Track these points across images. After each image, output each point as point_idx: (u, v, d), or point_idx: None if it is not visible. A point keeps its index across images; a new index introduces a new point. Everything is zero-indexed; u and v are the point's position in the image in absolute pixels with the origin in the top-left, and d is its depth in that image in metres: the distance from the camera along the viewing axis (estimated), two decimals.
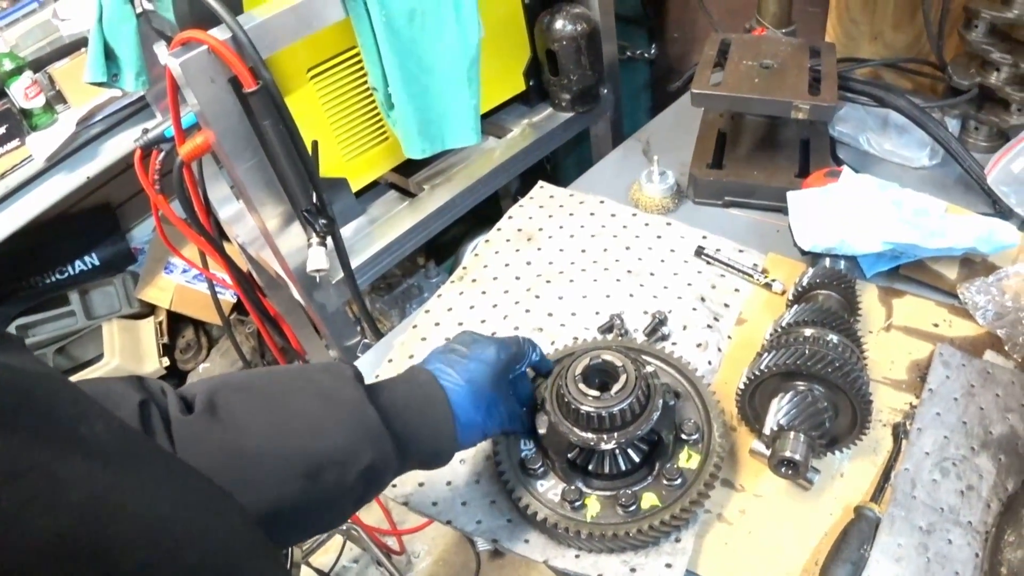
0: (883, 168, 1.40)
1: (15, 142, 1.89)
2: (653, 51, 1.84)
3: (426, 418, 0.78)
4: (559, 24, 1.48)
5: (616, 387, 0.80)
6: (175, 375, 2.54)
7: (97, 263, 2.48)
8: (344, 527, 1.94)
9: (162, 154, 1.47)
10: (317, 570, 2.04)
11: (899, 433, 0.98)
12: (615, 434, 0.80)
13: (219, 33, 1.10)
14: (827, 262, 1.11)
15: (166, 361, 2.43)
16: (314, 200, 1.26)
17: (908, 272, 1.17)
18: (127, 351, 2.35)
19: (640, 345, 1.00)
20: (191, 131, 1.31)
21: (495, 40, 1.54)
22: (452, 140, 1.36)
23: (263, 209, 1.31)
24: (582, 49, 1.51)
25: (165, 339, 2.47)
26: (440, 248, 2.30)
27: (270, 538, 0.65)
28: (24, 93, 1.87)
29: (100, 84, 1.49)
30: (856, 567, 0.83)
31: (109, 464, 0.42)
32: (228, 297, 2.40)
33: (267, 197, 1.30)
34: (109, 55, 1.45)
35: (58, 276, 2.43)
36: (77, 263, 2.45)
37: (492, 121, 1.69)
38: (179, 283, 2.43)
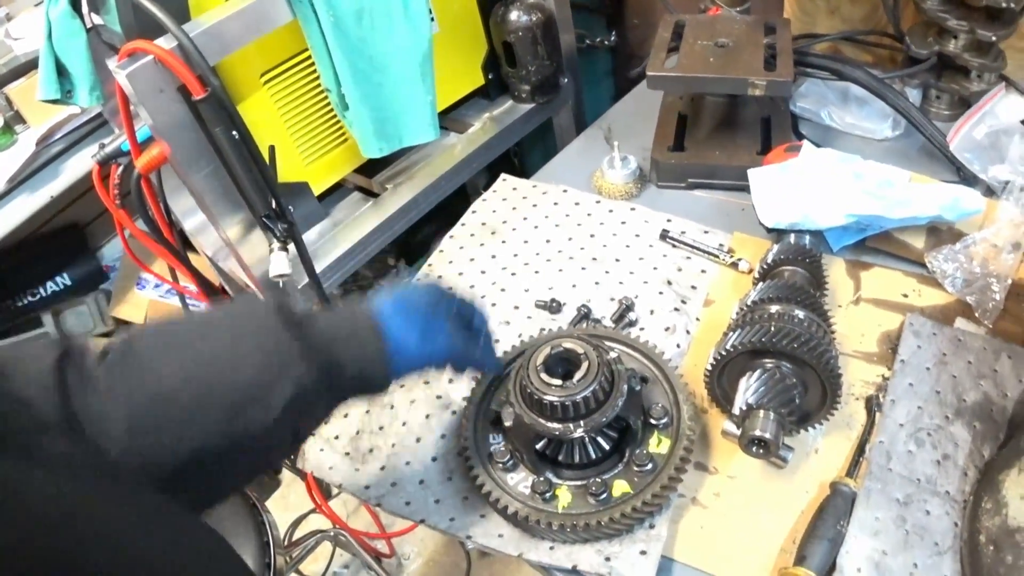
0: (846, 141, 1.40)
1: None
2: (613, 39, 1.83)
3: (353, 337, 0.73)
4: (513, 15, 1.47)
5: (578, 375, 0.79)
6: None
7: (69, 283, 2.45)
8: (332, 532, 1.92)
9: (120, 168, 1.44)
10: None
11: (872, 406, 0.98)
12: (581, 422, 0.79)
13: (165, 42, 1.08)
14: (792, 238, 1.11)
15: None
16: (273, 206, 1.24)
17: (875, 244, 1.17)
18: None
19: (605, 332, 0.99)
20: (147, 143, 1.29)
21: (450, 35, 1.52)
22: (409, 138, 1.34)
23: (223, 218, 1.29)
24: (538, 39, 1.49)
25: None
26: (412, 248, 2.29)
27: (206, 483, 0.66)
28: None
29: (54, 101, 1.46)
30: (834, 543, 0.83)
31: (76, 480, 0.43)
32: (201, 309, 2.38)
33: (225, 205, 1.28)
34: (62, 71, 1.42)
35: (30, 298, 2.40)
36: (49, 284, 2.42)
37: (453, 117, 1.67)
38: (152, 298, 2.40)
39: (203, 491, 0.67)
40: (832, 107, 1.42)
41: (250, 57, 1.26)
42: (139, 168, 1.28)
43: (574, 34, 1.65)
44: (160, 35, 1.09)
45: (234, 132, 1.14)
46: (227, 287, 1.83)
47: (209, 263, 1.75)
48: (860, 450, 0.92)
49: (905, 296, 1.11)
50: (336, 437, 1.07)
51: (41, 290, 2.41)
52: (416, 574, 2.23)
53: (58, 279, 2.43)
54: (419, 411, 1.06)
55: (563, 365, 0.83)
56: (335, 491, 1.85)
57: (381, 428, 1.06)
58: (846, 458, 0.92)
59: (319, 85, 1.35)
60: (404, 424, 1.05)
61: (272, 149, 1.31)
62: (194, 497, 0.65)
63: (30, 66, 1.96)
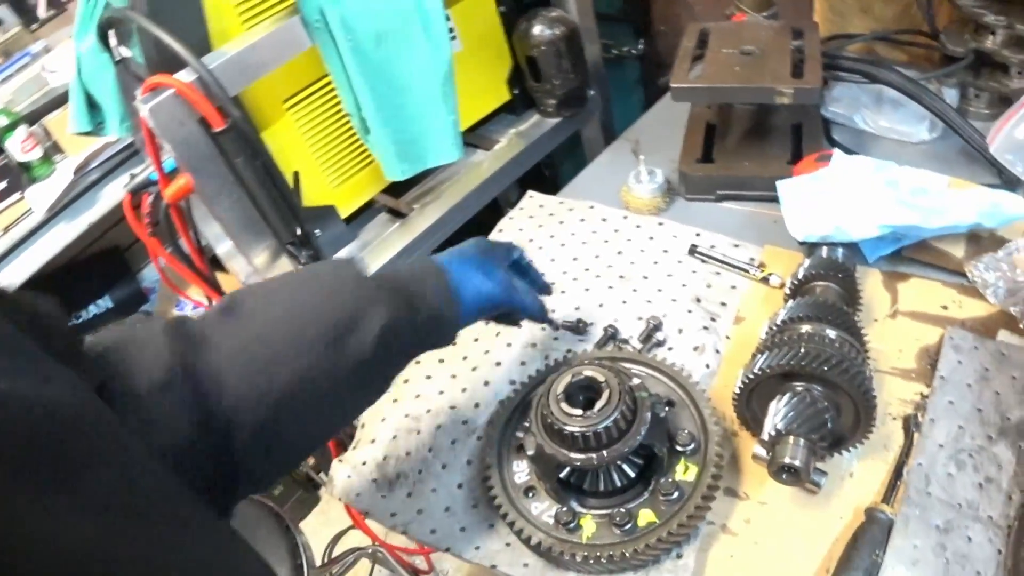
0: (881, 146, 1.35)
1: (16, 195, 1.91)
2: (640, 47, 1.81)
3: (422, 278, 0.81)
4: (536, 29, 1.46)
5: (599, 404, 0.78)
6: None
7: (111, 305, 2.51)
8: (370, 549, 1.92)
9: (151, 197, 1.47)
10: None
11: (910, 426, 0.93)
12: (603, 452, 0.78)
13: (185, 75, 1.09)
14: (824, 252, 1.07)
15: None
16: (297, 232, 1.25)
17: (911, 254, 1.13)
18: None
19: (630, 355, 0.97)
20: (174, 173, 1.31)
21: (474, 52, 1.52)
22: (433, 159, 1.34)
23: (249, 246, 1.30)
24: (562, 52, 1.48)
25: None
26: None
27: (317, 419, 0.73)
28: (21, 147, 1.89)
29: (87, 133, 1.50)
30: (869, 574, 0.79)
31: (106, 515, 0.41)
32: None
33: (251, 234, 1.29)
34: (93, 104, 1.46)
35: (73, 321, 2.46)
36: (91, 307, 2.48)
37: (479, 133, 1.67)
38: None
39: (285, 449, 0.72)
40: (866, 111, 1.38)
41: (273, 83, 1.27)
42: (167, 198, 1.29)
43: (599, 44, 1.64)
44: (181, 68, 1.11)
45: (257, 162, 1.15)
46: None
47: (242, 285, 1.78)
48: (897, 473, 0.88)
49: (945, 308, 1.07)
50: (364, 463, 1.07)
51: (84, 313, 2.47)
52: None
53: (100, 302, 2.49)
54: (445, 437, 1.05)
55: (584, 393, 0.81)
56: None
57: (408, 454, 1.05)
58: (882, 482, 0.89)
59: (343, 108, 1.36)
60: (430, 450, 1.04)
61: (296, 175, 1.32)
62: (270, 462, 0.69)
63: (66, 97, 2.01)
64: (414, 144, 1.31)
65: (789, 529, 0.86)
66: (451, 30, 1.44)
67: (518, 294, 0.90)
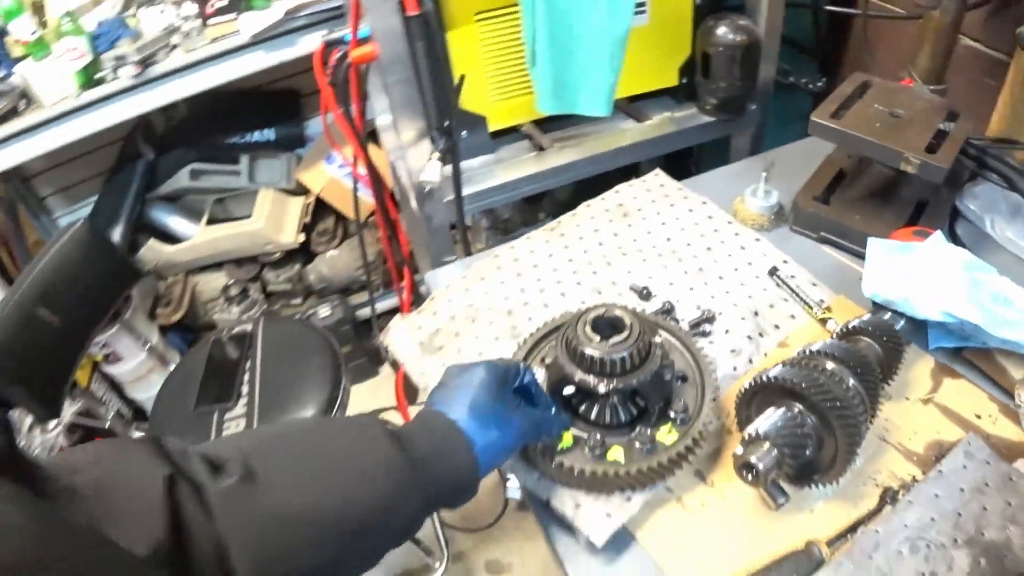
0: (999, 256, 1.35)
1: (231, 15, 2.15)
2: (820, 84, 1.83)
3: (450, 457, 0.79)
4: (720, 30, 1.53)
5: (615, 339, 0.89)
6: (306, 253, 2.82)
7: (272, 138, 2.78)
8: None
9: (339, 54, 1.66)
10: None
11: (887, 498, 0.97)
12: (603, 379, 0.89)
13: None
14: (887, 316, 1.12)
15: (302, 238, 2.69)
16: (444, 124, 1.40)
17: (971, 356, 1.15)
18: (272, 219, 2.63)
19: (673, 328, 1.07)
20: (365, 41, 1.49)
21: (659, 30, 1.61)
22: (583, 107, 1.45)
23: (403, 120, 1.47)
24: (736, 59, 1.55)
25: (307, 219, 2.74)
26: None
27: None
28: None
29: None
30: None
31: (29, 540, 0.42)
32: (371, 201, 2.63)
33: (408, 110, 1.46)
34: None
35: (237, 139, 2.75)
36: (256, 134, 2.76)
37: (637, 106, 1.76)
38: (333, 175, 2.67)
39: None
40: (998, 216, 1.38)
41: None
42: (351, 58, 1.48)
43: (775, 66, 1.69)
44: None
45: (432, 52, 1.30)
46: (397, 184, 2.04)
47: (387, 159, 1.97)
48: (852, 529, 0.93)
49: (978, 417, 1.08)
50: (419, 328, 1.23)
51: (248, 136, 2.76)
52: None
53: (265, 131, 2.76)
54: (492, 332, 1.19)
55: (610, 329, 0.92)
56: (419, 399, 2.03)
57: (456, 335, 1.20)
58: (837, 530, 0.94)
59: (521, 36, 1.49)
60: (476, 338, 1.19)
61: (462, 78, 1.47)
62: None
63: None
64: (570, 88, 1.43)
65: (734, 526, 0.94)
66: (642, 4, 1.53)
67: (530, 435, 0.89)
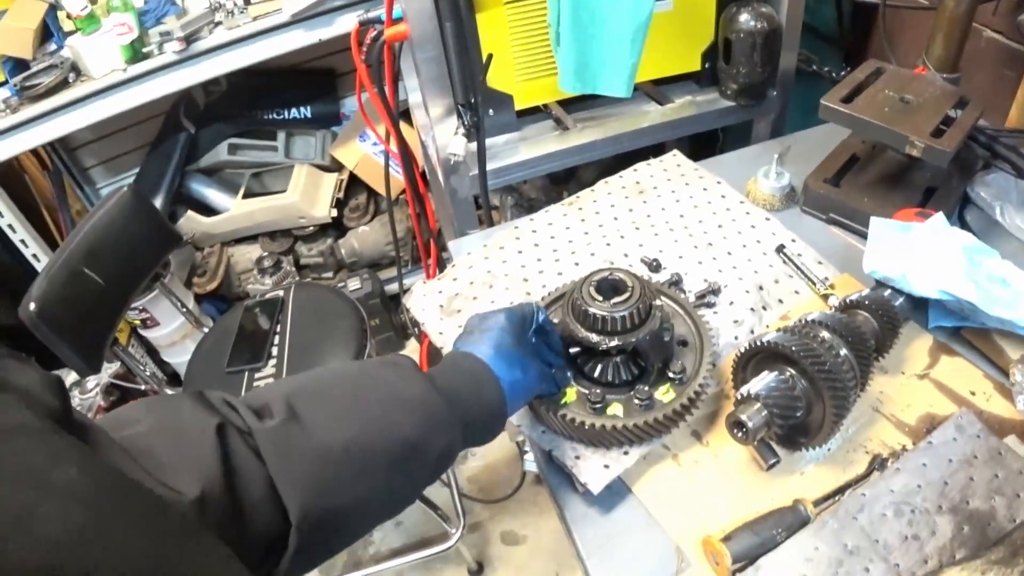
0: (1008, 244, 1.38)
1: None
2: (843, 73, 1.86)
3: (481, 392, 0.85)
4: (742, 17, 1.57)
5: (616, 299, 0.95)
6: (338, 228, 2.90)
7: (309, 115, 2.87)
8: None
9: (375, 33, 1.73)
10: None
11: (875, 464, 1.01)
12: (604, 337, 0.95)
13: None
14: (886, 292, 1.15)
15: (334, 213, 2.78)
16: (471, 100, 1.46)
17: (969, 336, 1.18)
18: (307, 194, 2.72)
19: (676, 295, 1.13)
20: (399, 21, 1.56)
21: (682, 15, 1.65)
22: (604, 87, 1.51)
23: (431, 96, 1.54)
24: (757, 46, 1.59)
25: (340, 195, 2.82)
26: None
27: (353, 528, 0.73)
28: None
29: None
30: (763, 544, 0.90)
31: (85, 503, 0.43)
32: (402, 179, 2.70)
33: (437, 86, 1.52)
34: None
35: (275, 115, 2.84)
36: (292, 110, 2.85)
37: (660, 89, 1.81)
38: (366, 152, 2.75)
39: (331, 551, 0.72)
40: (1008, 205, 1.41)
41: None
42: (385, 36, 1.55)
43: (797, 53, 1.73)
44: None
45: (460, 31, 1.36)
46: (427, 160, 2.11)
47: (417, 136, 2.04)
48: (840, 491, 0.97)
49: (972, 394, 1.11)
50: (439, 292, 1.30)
51: (285, 112, 2.85)
52: (473, 470, 2.46)
53: (301, 109, 2.85)
54: (509, 296, 1.26)
55: (613, 291, 0.98)
56: None
57: (474, 299, 1.27)
58: (824, 492, 0.98)
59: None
60: (493, 302, 1.26)
61: (490, 57, 1.53)
62: (312, 560, 0.69)
63: None
64: (591, 70, 1.48)
65: (726, 484, 1.00)
66: None
67: (546, 382, 0.95)
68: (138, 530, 0.46)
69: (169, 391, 2.50)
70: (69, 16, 2.22)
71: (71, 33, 2.26)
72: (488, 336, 0.90)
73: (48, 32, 2.35)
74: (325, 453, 0.68)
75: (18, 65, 2.29)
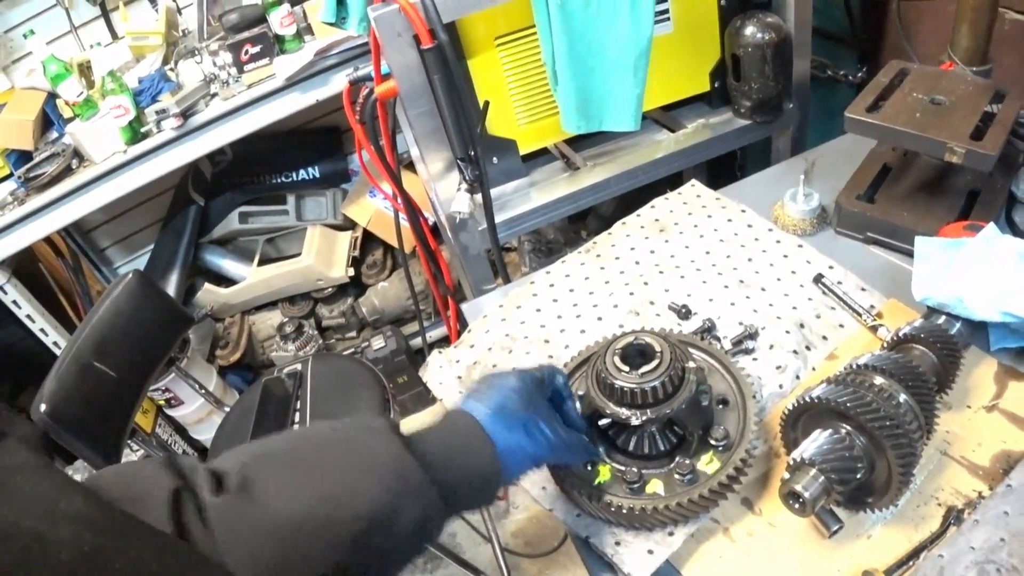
0: None
1: (265, 60, 2.22)
2: (862, 74, 1.76)
3: (467, 455, 0.77)
4: (748, 30, 1.49)
5: (645, 368, 0.86)
6: (357, 286, 2.85)
7: (317, 175, 2.84)
8: None
9: (367, 91, 1.67)
10: None
11: (951, 518, 0.91)
12: (636, 411, 0.86)
13: None
14: (941, 320, 1.05)
15: (351, 272, 2.73)
16: (470, 153, 1.39)
17: None
18: (322, 255, 2.67)
19: (709, 347, 1.03)
20: (388, 77, 1.50)
21: (685, 37, 1.57)
22: (610, 123, 1.43)
23: (429, 152, 1.47)
24: (767, 58, 1.50)
25: (356, 253, 2.78)
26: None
27: None
28: (280, 22, 2.20)
29: (331, 24, 1.72)
30: None
31: (94, 529, 0.45)
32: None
33: (433, 142, 1.46)
34: (341, 1, 1.68)
35: (283, 179, 2.82)
36: (300, 172, 2.82)
37: (671, 115, 1.73)
38: (378, 208, 2.70)
39: None
40: None
41: (489, 20, 1.41)
42: (376, 94, 1.49)
43: (810, 60, 1.63)
44: None
45: (450, 83, 1.30)
46: (437, 213, 2.05)
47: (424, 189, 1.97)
48: (914, 553, 0.87)
49: None
50: (457, 361, 1.22)
51: (293, 175, 2.82)
52: (516, 523, 2.36)
53: (309, 169, 2.82)
54: (531, 361, 1.18)
55: (639, 357, 0.89)
56: None
57: (494, 366, 1.19)
58: (897, 557, 0.88)
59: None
60: (513, 369, 1.17)
61: (486, 104, 1.46)
62: None
63: None
64: (595, 104, 1.40)
65: (785, 556, 0.90)
66: (665, 12, 1.50)
67: (560, 451, 0.85)
68: (147, 553, 0.48)
69: None
70: (67, 103, 2.21)
71: (71, 119, 2.25)
72: (491, 395, 0.83)
73: (48, 120, 2.35)
74: (275, 528, 0.63)
75: (21, 156, 2.29)
